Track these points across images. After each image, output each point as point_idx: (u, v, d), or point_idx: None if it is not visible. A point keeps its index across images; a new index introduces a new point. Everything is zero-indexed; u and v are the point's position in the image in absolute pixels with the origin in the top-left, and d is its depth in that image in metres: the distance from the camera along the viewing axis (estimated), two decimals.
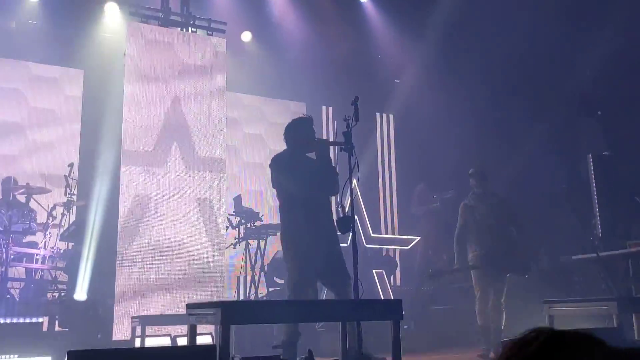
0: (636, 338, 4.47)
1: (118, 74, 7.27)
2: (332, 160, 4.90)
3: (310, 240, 4.55)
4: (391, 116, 10.31)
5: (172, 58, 7.36)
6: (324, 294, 6.17)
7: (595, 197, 8.91)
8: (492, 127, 8.80)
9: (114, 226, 6.67)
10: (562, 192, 5.52)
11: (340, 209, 4.25)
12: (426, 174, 9.36)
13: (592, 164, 8.81)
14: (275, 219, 8.05)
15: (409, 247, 8.77)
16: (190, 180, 7.17)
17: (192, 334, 3.35)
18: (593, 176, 8.98)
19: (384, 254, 8.66)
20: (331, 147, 5.25)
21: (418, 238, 8.72)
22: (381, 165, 10.11)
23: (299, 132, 4.96)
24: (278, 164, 4.88)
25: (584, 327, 5.00)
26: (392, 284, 8.65)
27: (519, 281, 8.58)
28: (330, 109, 9.72)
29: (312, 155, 4.89)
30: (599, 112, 8.84)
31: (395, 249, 9.14)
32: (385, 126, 10.30)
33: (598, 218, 8.63)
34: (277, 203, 4.91)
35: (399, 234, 9.58)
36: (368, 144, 9.43)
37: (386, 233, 9.41)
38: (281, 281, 7.37)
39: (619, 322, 3.98)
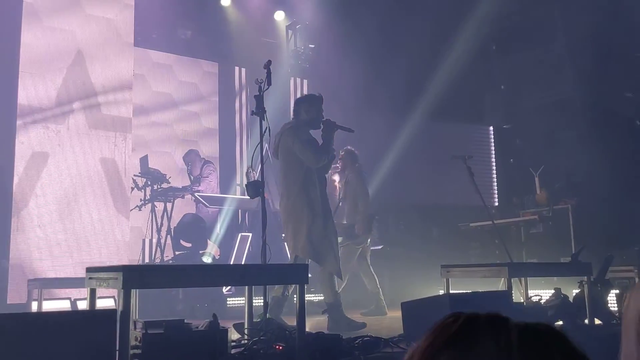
0: (523, 300, 4.80)
1: (15, 21, 6.74)
2: (334, 143, 5.17)
3: (324, 212, 4.95)
4: (305, 81, 10.27)
5: (75, 7, 6.91)
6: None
7: (494, 167, 9.42)
8: (409, 98, 8.96)
9: (9, 184, 6.27)
10: (463, 162, 5.75)
11: (250, 173, 4.22)
12: (338, 140, 9.43)
13: (492, 136, 9.30)
14: (183, 181, 7.89)
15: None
16: (94, 139, 6.85)
17: (92, 298, 3.24)
18: (493, 147, 9.48)
19: None
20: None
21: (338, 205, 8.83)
22: None
23: (312, 108, 5.13)
24: (300, 133, 5.00)
25: (478, 290, 5.32)
26: None
27: (421, 248, 8.98)
28: (243, 70, 9.54)
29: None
30: (502, 87, 9.27)
31: None
32: (299, 91, 10.26)
33: (495, 188, 9.15)
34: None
35: None
36: (283, 108, 9.35)
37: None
38: (188, 245, 7.27)
39: (509, 286, 4.25)
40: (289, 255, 5.35)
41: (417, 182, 9.23)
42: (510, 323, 0.59)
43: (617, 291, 5.75)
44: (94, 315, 2.93)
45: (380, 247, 9.22)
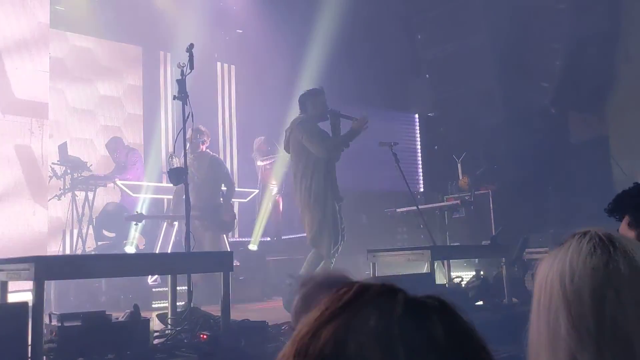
0: (446, 282, 4.96)
1: None
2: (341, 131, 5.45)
3: (332, 203, 5.26)
4: (232, 67, 10.11)
5: None
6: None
7: (419, 154, 9.64)
8: (335, 85, 8.99)
9: None
10: (390, 149, 5.84)
11: (172, 160, 4.11)
12: (267, 126, 9.36)
13: (418, 123, 9.51)
14: (105, 169, 7.61)
15: (248, 199, 8.81)
16: (8, 125, 6.47)
17: (3, 291, 3.08)
18: (418, 135, 9.70)
19: None
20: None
21: (257, 191, 8.78)
22: (221, 117, 9.93)
23: (317, 101, 5.44)
24: (309, 127, 5.31)
25: (403, 272, 5.45)
26: (230, 236, 8.67)
27: (350, 234, 9.08)
28: (168, 55, 9.27)
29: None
30: (427, 75, 9.48)
31: (234, 201, 9.13)
32: (226, 76, 10.09)
33: (421, 174, 9.37)
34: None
35: (238, 187, 9.58)
36: (208, 93, 9.18)
37: None
38: (111, 234, 7.04)
39: (431, 268, 4.37)
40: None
41: (345, 168, 9.31)
42: (400, 294, 0.59)
43: (534, 271, 6.04)
44: (2, 309, 2.78)
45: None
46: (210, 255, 3.73)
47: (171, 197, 7.01)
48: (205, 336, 3.24)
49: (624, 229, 1.34)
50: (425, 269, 5.81)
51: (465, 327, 0.60)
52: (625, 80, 8.84)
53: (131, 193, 7.09)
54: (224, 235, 6.96)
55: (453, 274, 5.40)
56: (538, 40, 8.42)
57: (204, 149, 6.72)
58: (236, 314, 3.98)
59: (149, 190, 7.35)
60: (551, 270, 0.91)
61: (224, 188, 6.92)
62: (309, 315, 0.59)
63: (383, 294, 0.59)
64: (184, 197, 3.90)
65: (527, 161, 8.22)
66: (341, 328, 0.56)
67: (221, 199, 6.83)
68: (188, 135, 5.42)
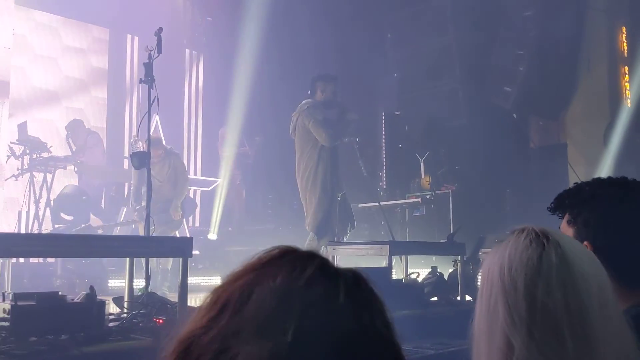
0: (403, 276, 5.05)
1: None
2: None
3: (333, 186, 5.33)
4: (201, 55, 10.02)
5: None
6: None
7: (384, 151, 9.74)
8: (302, 80, 9.00)
9: None
10: (354, 145, 5.91)
11: (136, 143, 4.08)
12: (234, 116, 9.32)
13: (383, 121, 9.59)
14: (66, 151, 7.47)
15: (210, 188, 8.77)
16: None
17: None
18: (383, 132, 9.79)
19: None
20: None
21: (219, 180, 8.75)
22: (187, 104, 9.83)
23: (327, 88, 5.47)
24: (316, 113, 5.34)
25: (362, 266, 5.51)
26: (191, 225, 8.63)
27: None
28: (136, 38, 9.13)
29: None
30: (395, 74, 9.58)
31: (196, 189, 9.09)
32: (194, 64, 10.00)
33: (385, 170, 9.47)
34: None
35: (202, 175, 9.52)
36: (175, 80, 9.08)
37: (188, 174, 9.23)
38: (69, 217, 6.92)
39: (389, 263, 4.45)
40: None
41: None
42: (318, 259, 0.61)
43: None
44: None
45: (272, 226, 9.30)
46: (168, 240, 3.71)
47: (132, 181, 6.92)
48: (161, 321, 3.24)
49: (564, 227, 1.42)
50: (384, 263, 5.92)
51: (370, 297, 0.61)
52: (584, 90, 9.12)
53: (91, 176, 6.98)
54: (183, 227, 6.90)
55: (410, 270, 5.50)
56: (503, 45, 8.59)
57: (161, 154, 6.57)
58: (195, 303, 3.99)
59: (109, 175, 7.25)
60: (492, 264, 0.98)
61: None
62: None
63: (303, 258, 0.61)
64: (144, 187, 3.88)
65: (487, 163, 8.40)
66: (251, 280, 0.59)
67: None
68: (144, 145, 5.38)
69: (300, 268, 0.59)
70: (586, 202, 1.36)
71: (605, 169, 8.42)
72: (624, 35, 9.65)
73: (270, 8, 8.64)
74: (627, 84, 9.27)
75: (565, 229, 1.39)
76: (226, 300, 0.59)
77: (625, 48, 9.56)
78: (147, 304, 3.44)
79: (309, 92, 5.63)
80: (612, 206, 1.32)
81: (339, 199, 5.51)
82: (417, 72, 9.06)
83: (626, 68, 9.40)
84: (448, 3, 8.50)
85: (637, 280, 1.30)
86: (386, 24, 9.34)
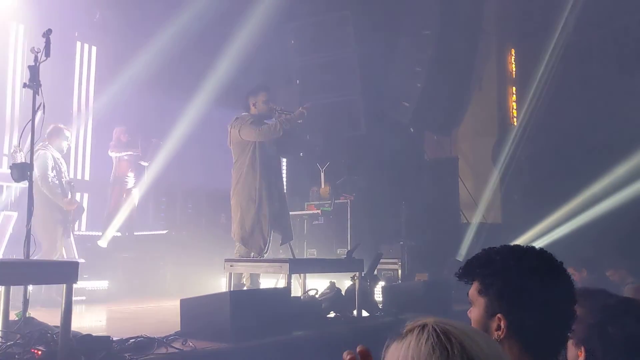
0: (301, 294, 5.00)
1: None
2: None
3: (267, 203, 5.32)
4: (94, 48, 9.39)
5: None
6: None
7: (284, 160, 9.71)
8: (202, 84, 8.73)
9: None
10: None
11: (17, 154, 3.72)
12: (128, 117, 8.85)
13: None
14: None
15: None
16: None
17: None
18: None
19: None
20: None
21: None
22: (77, 101, 9.18)
23: (257, 100, 5.51)
24: (244, 118, 5.37)
25: (262, 286, 5.42)
26: (77, 229, 8.07)
27: (207, 233, 8.93)
28: (21, 27, 8.39)
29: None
30: (297, 81, 9.55)
31: (83, 194, 8.56)
32: (85, 58, 9.37)
33: (285, 180, 9.43)
34: None
35: (90, 177, 8.98)
36: (63, 74, 8.45)
37: (75, 176, 8.65)
38: None
39: (288, 282, 4.38)
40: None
41: (204, 169, 9.15)
42: None
43: (383, 284, 6.33)
44: None
45: (165, 231, 8.95)
46: (51, 265, 3.38)
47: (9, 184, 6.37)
48: (40, 352, 2.96)
49: (473, 295, 1.41)
50: (281, 278, 5.85)
51: None
52: (475, 108, 9.59)
53: None
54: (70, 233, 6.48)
55: (308, 282, 5.46)
56: (402, 61, 8.82)
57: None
58: (77, 320, 3.68)
59: None
60: None
61: None
62: None
63: None
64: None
65: (384, 174, 8.61)
66: None
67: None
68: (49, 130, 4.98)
69: None
70: (499, 273, 1.36)
71: (491, 185, 8.92)
72: (513, 57, 10.27)
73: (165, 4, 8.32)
74: (514, 104, 9.87)
75: (474, 297, 1.39)
76: None
77: (514, 69, 10.18)
78: (24, 332, 3.13)
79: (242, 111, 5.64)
80: (524, 281, 1.32)
81: (274, 209, 5.46)
82: (318, 81, 9.09)
83: (514, 89, 10.01)
84: (349, 16, 8.59)
85: (545, 353, 1.32)
86: (290, 30, 9.28)
